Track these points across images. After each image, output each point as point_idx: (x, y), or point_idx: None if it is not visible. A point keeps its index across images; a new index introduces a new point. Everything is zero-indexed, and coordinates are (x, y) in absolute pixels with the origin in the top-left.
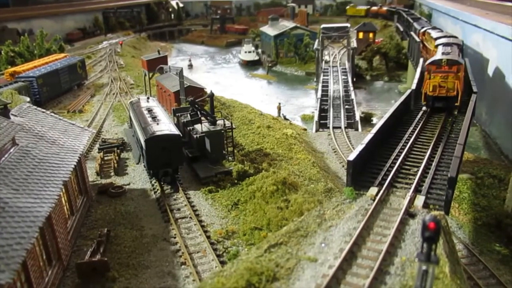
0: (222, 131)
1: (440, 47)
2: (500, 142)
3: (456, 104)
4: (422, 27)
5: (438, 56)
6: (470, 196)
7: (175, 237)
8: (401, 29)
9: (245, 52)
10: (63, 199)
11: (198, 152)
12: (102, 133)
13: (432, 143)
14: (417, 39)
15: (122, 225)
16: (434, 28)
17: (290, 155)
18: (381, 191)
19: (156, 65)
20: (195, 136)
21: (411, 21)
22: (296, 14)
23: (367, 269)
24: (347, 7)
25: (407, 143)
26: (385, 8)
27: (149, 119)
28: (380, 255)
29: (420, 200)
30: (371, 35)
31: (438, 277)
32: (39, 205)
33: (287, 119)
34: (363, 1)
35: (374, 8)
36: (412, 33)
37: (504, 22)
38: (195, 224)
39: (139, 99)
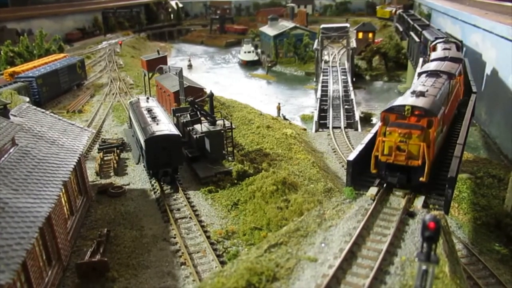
0: (222, 131)
1: (420, 79)
2: (500, 141)
3: (421, 179)
4: (435, 38)
5: (405, 97)
6: (469, 195)
7: (175, 237)
8: (401, 29)
9: (245, 52)
10: (62, 199)
11: (198, 152)
12: (102, 133)
13: None
14: (417, 40)
15: (122, 225)
16: (446, 41)
17: (290, 155)
18: (381, 191)
19: (156, 65)
20: (194, 136)
21: (419, 28)
22: (295, 14)
23: (367, 269)
24: (377, 7)
25: None
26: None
27: (149, 119)
28: (380, 255)
29: (419, 199)
30: (370, 35)
31: (438, 277)
32: (39, 205)
33: (286, 119)
34: (363, 2)
35: (394, 10)
36: (415, 37)
37: (503, 22)
38: (195, 224)
39: (138, 99)
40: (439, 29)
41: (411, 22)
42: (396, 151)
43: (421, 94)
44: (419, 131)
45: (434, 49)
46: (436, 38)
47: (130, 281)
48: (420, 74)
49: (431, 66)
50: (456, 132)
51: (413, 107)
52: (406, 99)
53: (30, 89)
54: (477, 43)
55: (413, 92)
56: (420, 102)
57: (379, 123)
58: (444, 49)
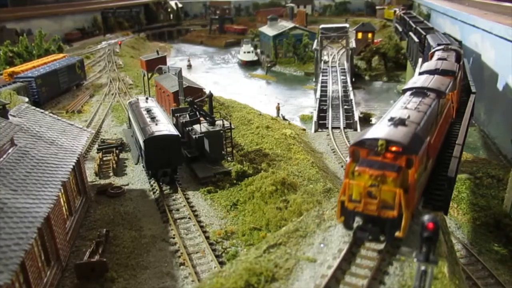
0: (221, 131)
1: (402, 99)
2: (499, 142)
3: (397, 234)
4: (438, 44)
5: (381, 126)
6: (469, 196)
7: (174, 238)
8: (400, 29)
9: (244, 52)
10: (61, 199)
11: (197, 152)
12: (101, 134)
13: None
14: (416, 40)
15: (121, 225)
16: (445, 49)
17: (289, 155)
18: None
19: (155, 65)
20: (194, 136)
21: (422, 32)
22: (295, 14)
23: (366, 269)
24: (385, 8)
25: None
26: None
27: (148, 120)
28: (379, 255)
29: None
30: (370, 35)
31: (437, 277)
32: (38, 205)
33: (286, 119)
34: (362, 2)
35: (398, 12)
36: (414, 37)
37: (502, 22)
38: (194, 225)
39: (138, 99)
40: (444, 33)
41: (413, 25)
42: (366, 197)
43: (401, 122)
44: (395, 174)
45: (432, 57)
46: (439, 45)
47: (129, 282)
48: (404, 91)
49: (419, 81)
50: (455, 132)
51: (389, 142)
52: (382, 129)
53: (29, 89)
54: (476, 44)
55: (391, 119)
56: (398, 134)
57: (347, 159)
58: (439, 59)
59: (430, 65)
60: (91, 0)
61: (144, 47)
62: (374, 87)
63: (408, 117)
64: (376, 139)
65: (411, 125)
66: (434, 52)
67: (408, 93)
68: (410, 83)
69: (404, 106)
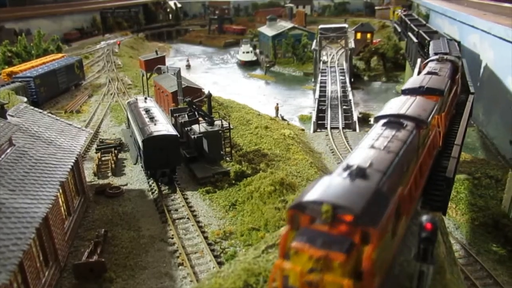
0: (220, 132)
1: (373, 132)
2: (497, 142)
3: None
4: (435, 53)
5: (327, 185)
6: (467, 196)
7: (172, 238)
8: (399, 29)
9: (243, 52)
10: (60, 199)
11: (196, 152)
12: (100, 134)
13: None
14: (415, 41)
15: (120, 225)
16: (439, 60)
17: (288, 156)
18: None
19: (154, 65)
20: (192, 136)
21: (426, 37)
22: (294, 14)
23: None
24: (391, 8)
25: None
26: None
27: (147, 120)
28: None
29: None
30: (369, 35)
31: (435, 278)
32: (36, 205)
33: (285, 120)
34: (361, 2)
35: (399, 13)
36: (413, 37)
37: (501, 23)
38: (192, 225)
39: (136, 99)
40: (450, 39)
41: (416, 29)
42: (305, 287)
43: (360, 173)
44: (343, 256)
45: (424, 68)
46: (436, 53)
47: (127, 282)
48: (377, 120)
49: (395, 106)
50: (453, 132)
51: (336, 208)
52: (331, 186)
53: (28, 89)
54: (475, 44)
55: (347, 168)
56: (351, 195)
57: (286, 230)
58: (428, 73)
59: (415, 81)
60: (90, 0)
61: (143, 47)
62: (373, 87)
63: (371, 164)
64: (319, 203)
65: (373, 176)
66: (427, 62)
67: (381, 122)
68: (386, 109)
69: (371, 145)
